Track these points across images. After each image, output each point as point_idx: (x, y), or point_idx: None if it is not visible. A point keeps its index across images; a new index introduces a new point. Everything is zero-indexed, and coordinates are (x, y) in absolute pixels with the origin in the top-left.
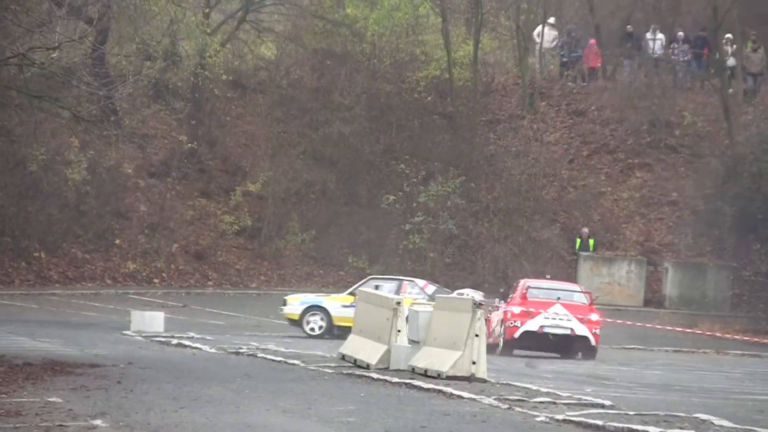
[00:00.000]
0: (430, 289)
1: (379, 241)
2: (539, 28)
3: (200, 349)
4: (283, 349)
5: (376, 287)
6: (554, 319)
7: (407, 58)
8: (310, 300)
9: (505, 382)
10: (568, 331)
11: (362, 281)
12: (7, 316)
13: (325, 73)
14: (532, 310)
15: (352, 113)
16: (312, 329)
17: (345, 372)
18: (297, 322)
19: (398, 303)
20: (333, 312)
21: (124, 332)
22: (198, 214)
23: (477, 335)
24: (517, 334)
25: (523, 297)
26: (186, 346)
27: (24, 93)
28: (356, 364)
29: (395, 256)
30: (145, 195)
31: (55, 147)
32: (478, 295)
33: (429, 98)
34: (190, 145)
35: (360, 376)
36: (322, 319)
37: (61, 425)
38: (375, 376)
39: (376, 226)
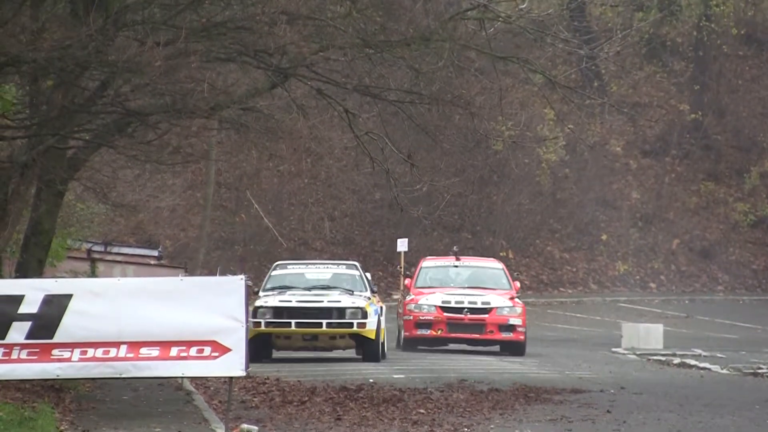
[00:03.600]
0: None
1: None
2: None
3: (709, 369)
4: None
5: None
6: None
7: None
8: None
9: None
10: None
11: None
12: None
13: None
14: None
15: None
16: None
17: None
18: None
19: None
20: None
21: (614, 349)
22: (704, 202)
23: None
24: None
25: None
26: (691, 366)
27: (486, 53)
28: None
29: None
30: (637, 179)
31: (525, 120)
32: None
33: None
34: (693, 115)
35: None
36: None
37: None
38: None
39: None
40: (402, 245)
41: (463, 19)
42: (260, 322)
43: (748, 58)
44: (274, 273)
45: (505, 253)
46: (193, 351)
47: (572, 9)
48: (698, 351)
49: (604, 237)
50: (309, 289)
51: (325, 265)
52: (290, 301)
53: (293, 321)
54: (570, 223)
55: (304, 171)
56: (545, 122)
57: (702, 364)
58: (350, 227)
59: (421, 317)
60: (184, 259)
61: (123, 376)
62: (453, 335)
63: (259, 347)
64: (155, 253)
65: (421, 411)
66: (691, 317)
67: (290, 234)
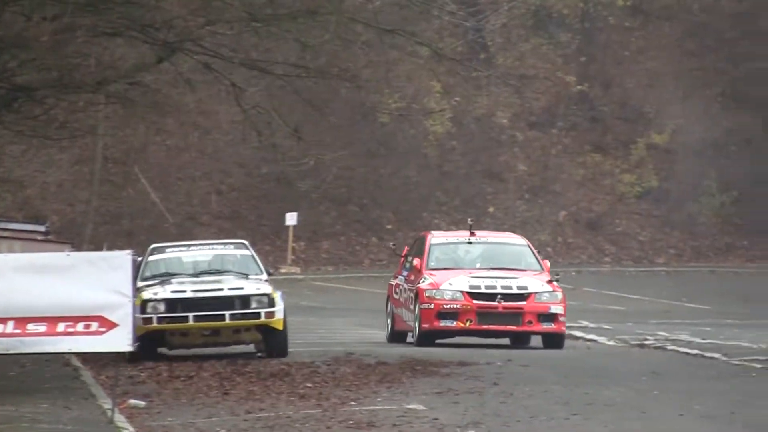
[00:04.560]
0: None
1: None
2: None
3: (595, 341)
4: (699, 340)
5: None
6: None
7: None
8: None
9: None
10: None
11: None
12: (355, 304)
13: None
14: None
15: None
16: None
17: None
18: None
19: None
20: None
21: None
22: (590, 174)
23: None
24: None
25: None
26: (578, 338)
27: (373, 26)
28: None
29: None
30: (524, 150)
31: (411, 93)
32: None
33: None
34: (579, 87)
35: None
36: None
37: None
38: None
39: None
40: (291, 219)
41: None
42: (151, 318)
43: (635, 29)
44: (151, 258)
45: (392, 227)
46: (80, 326)
47: None
48: (585, 323)
49: (490, 209)
50: (196, 275)
51: (210, 246)
52: (185, 292)
53: (191, 314)
54: (457, 196)
55: (192, 145)
56: (432, 95)
57: (589, 336)
58: (238, 201)
59: (444, 305)
60: (71, 234)
61: (10, 352)
62: (485, 327)
63: (150, 347)
64: (42, 228)
65: (309, 385)
66: (577, 289)
67: (177, 209)
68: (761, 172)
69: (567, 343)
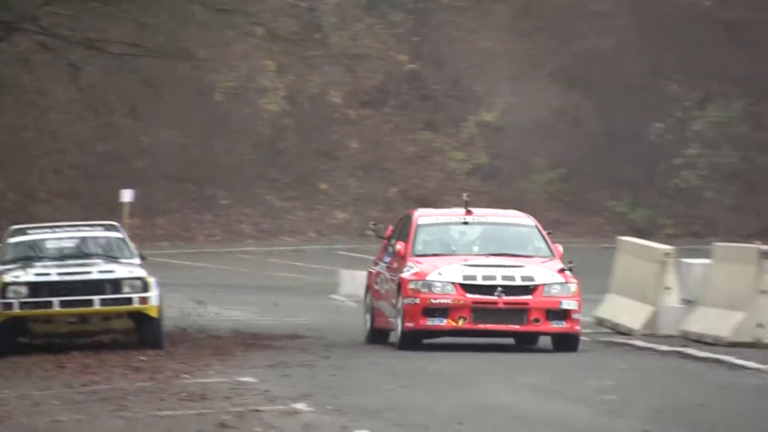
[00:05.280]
0: None
1: (643, 181)
2: None
3: None
4: None
5: None
6: None
7: None
8: None
9: None
10: None
11: None
12: (190, 280)
13: None
14: None
15: (612, 24)
16: None
17: (601, 339)
18: None
19: (667, 254)
20: None
21: (331, 296)
22: (421, 151)
23: (765, 291)
24: None
25: None
26: None
27: (208, 6)
28: (616, 329)
29: (663, 197)
30: (356, 129)
31: (246, 72)
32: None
33: (708, 2)
34: (411, 66)
35: (620, 345)
36: None
37: (255, 410)
38: (639, 344)
39: (641, 161)
40: (126, 196)
41: None
42: (11, 303)
43: (467, 9)
44: (11, 240)
45: (226, 203)
46: None
47: None
48: None
49: (323, 186)
50: (62, 258)
51: (78, 228)
52: (49, 275)
53: (56, 299)
54: (290, 173)
55: (30, 124)
56: (266, 74)
57: None
58: (75, 179)
59: (432, 300)
60: None
61: None
62: (481, 327)
63: (9, 336)
64: None
65: (142, 358)
66: None
67: (16, 187)
68: (589, 151)
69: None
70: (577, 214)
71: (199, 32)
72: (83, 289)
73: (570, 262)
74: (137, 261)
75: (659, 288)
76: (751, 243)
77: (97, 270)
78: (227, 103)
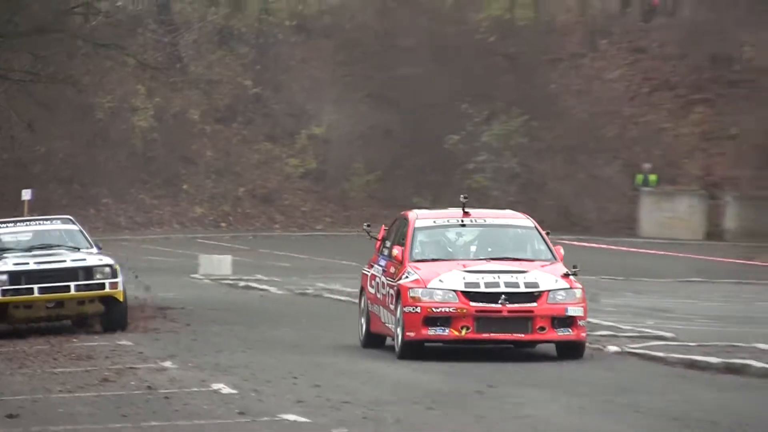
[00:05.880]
0: None
1: (443, 181)
2: None
3: (268, 290)
4: (349, 289)
5: None
6: None
7: None
8: None
9: None
10: None
11: None
12: None
13: (388, 16)
14: None
15: (417, 56)
16: None
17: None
18: None
19: None
20: None
21: (192, 275)
22: (264, 158)
23: None
24: None
25: None
26: (254, 288)
27: (90, 41)
28: None
29: (458, 195)
30: (211, 140)
31: (121, 95)
32: None
33: (492, 39)
34: (255, 90)
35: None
36: None
37: (131, 367)
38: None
39: (440, 166)
40: (26, 194)
41: (73, 14)
42: None
43: (300, 43)
44: None
45: (107, 201)
46: None
47: (159, 5)
48: (259, 276)
49: (185, 186)
50: (29, 250)
51: (36, 222)
52: (27, 264)
53: (36, 286)
54: (158, 176)
55: None
56: (138, 96)
57: (262, 286)
58: None
59: (434, 309)
60: None
61: None
62: (485, 336)
63: None
64: None
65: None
66: (253, 250)
67: None
68: (398, 158)
69: (246, 292)
70: (389, 209)
71: (83, 63)
72: (59, 277)
73: (574, 266)
74: (95, 250)
75: None
76: None
77: (70, 259)
78: (106, 120)
